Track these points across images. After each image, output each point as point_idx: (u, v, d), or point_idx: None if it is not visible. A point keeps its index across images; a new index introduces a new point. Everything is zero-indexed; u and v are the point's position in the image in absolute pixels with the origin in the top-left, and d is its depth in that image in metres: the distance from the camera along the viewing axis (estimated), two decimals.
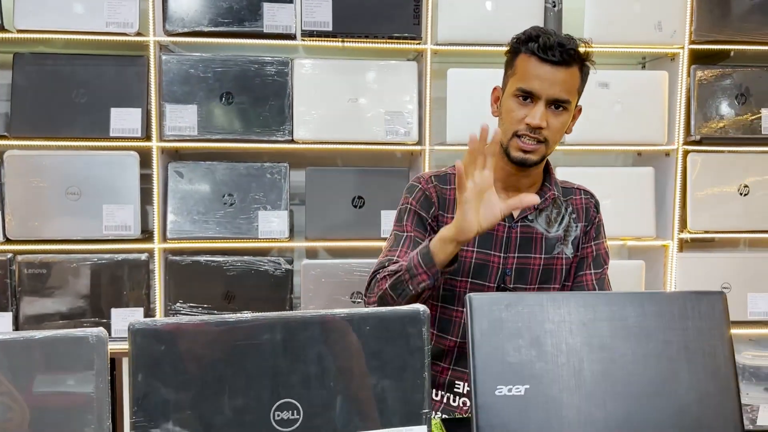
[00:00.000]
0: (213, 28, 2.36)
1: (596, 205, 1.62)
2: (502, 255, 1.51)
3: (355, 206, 2.48)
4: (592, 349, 1.01)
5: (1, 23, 2.32)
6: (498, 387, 0.98)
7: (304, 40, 2.42)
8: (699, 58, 2.69)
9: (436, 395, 1.55)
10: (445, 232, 1.34)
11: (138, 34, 2.36)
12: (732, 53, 2.59)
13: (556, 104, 1.42)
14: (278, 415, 0.90)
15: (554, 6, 2.52)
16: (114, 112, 2.37)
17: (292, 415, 0.91)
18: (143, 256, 2.41)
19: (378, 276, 1.45)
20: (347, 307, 2.39)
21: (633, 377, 1.01)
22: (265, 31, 2.37)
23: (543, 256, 1.53)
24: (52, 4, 2.32)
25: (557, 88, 1.40)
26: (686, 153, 2.58)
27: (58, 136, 2.36)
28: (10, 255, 2.37)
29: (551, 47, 1.39)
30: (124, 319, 2.38)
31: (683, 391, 1.01)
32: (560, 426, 0.98)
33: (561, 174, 2.52)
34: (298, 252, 2.72)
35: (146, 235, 2.48)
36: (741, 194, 2.61)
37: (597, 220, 1.61)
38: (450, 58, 2.67)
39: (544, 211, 1.54)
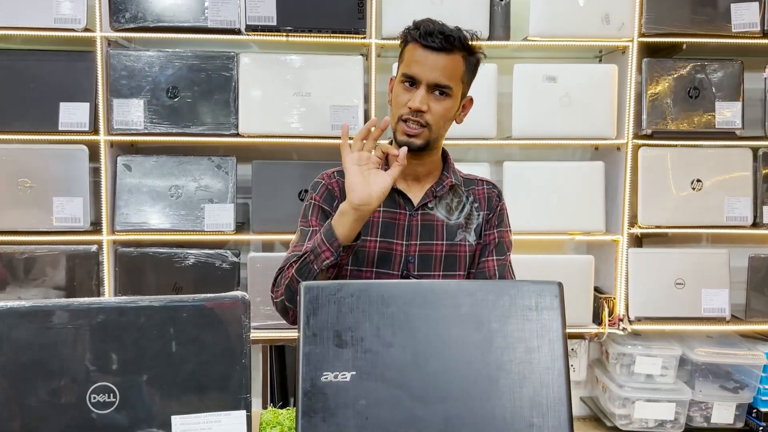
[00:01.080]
0: (159, 24, 2.39)
1: (499, 195, 1.64)
2: (404, 243, 1.54)
3: (302, 199, 2.50)
4: (423, 336, 1.02)
5: None
6: (324, 373, 1.00)
7: (248, 35, 2.44)
8: (653, 52, 2.67)
9: None
10: (342, 205, 1.40)
11: (86, 29, 2.41)
12: (684, 46, 2.55)
13: (439, 90, 1.46)
14: (94, 398, 0.93)
15: (501, 0, 2.51)
16: (63, 106, 2.42)
17: (109, 398, 0.93)
18: (93, 248, 2.46)
19: (284, 268, 1.48)
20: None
21: (462, 365, 1.01)
22: (209, 26, 2.41)
23: (445, 242, 1.55)
24: (2, 1, 2.37)
25: (437, 73, 1.44)
26: (637, 147, 2.56)
27: (8, 130, 2.42)
28: None
29: (431, 33, 1.43)
30: None
31: (513, 380, 1.01)
32: (384, 412, 0.99)
33: (508, 168, 2.53)
34: (254, 245, 2.76)
35: (96, 227, 2.53)
36: (694, 189, 2.59)
37: (499, 208, 1.63)
38: (396, 52, 2.68)
39: (443, 199, 1.57)
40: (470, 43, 1.47)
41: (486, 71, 2.48)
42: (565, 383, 1.02)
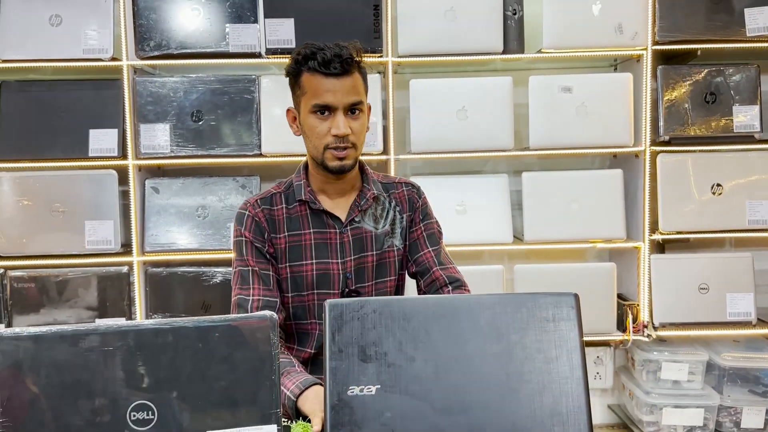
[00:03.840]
0: (182, 50, 2.48)
1: (418, 193, 1.66)
2: (339, 261, 1.57)
3: None
4: (444, 349, 1.06)
5: None
6: (350, 387, 1.04)
7: (268, 58, 2.51)
8: (668, 59, 2.68)
9: None
10: (313, 406, 1.29)
11: (113, 59, 2.50)
12: (699, 52, 2.57)
13: (352, 109, 1.49)
14: (134, 416, 0.98)
15: (514, 14, 2.55)
16: (92, 133, 2.51)
17: (147, 415, 0.98)
18: (124, 269, 2.54)
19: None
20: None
21: (483, 377, 1.05)
22: (230, 50, 2.48)
23: (375, 252, 1.59)
24: (33, 35, 2.47)
25: (349, 95, 1.47)
26: (655, 154, 2.57)
27: (41, 158, 2.52)
28: (1, 270, 2.52)
29: (330, 61, 1.44)
30: None
31: (533, 390, 1.05)
32: (409, 423, 1.03)
33: (527, 179, 2.56)
34: None
35: (127, 248, 2.61)
36: (714, 194, 2.59)
37: (420, 204, 1.65)
38: (412, 69, 2.73)
39: (368, 210, 1.60)
40: (359, 57, 1.49)
41: (501, 84, 2.53)
42: (584, 392, 1.05)
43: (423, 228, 1.64)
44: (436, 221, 1.68)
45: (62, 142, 2.52)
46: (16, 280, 2.52)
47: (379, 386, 1.04)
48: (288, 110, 1.58)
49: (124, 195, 2.58)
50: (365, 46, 2.47)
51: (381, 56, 2.51)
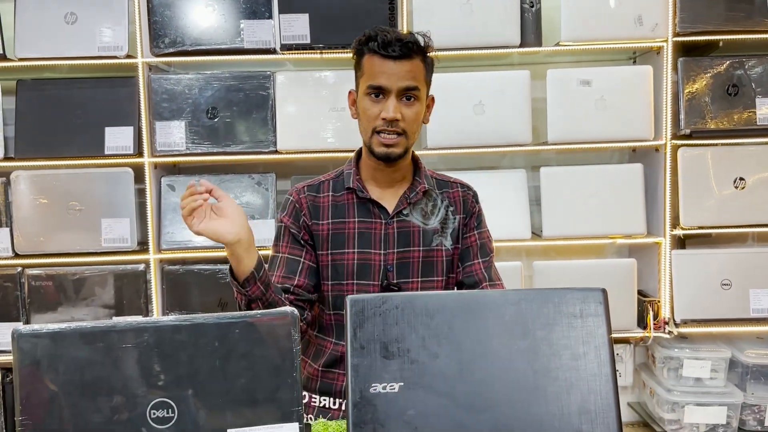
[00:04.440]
0: (197, 47, 2.47)
1: (474, 197, 1.63)
2: (382, 252, 1.53)
3: None
4: (468, 346, 1.03)
5: (3, 52, 2.49)
6: (373, 385, 1.02)
7: (283, 54, 2.50)
8: (688, 51, 2.64)
9: (334, 403, 1.57)
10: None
11: (128, 56, 2.50)
12: (721, 44, 2.52)
13: (407, 95, 1.46)
14: (154, 413, 0.97)
15: (532, 6, 2.52)
16: (108, 131, 2.51)
17: (167, 413, 0.97)
18: (140, 267, 2.54)
19: None
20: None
21: (508, 374, 1.02)
22: (245, 47, 2.47)
23: (422, 248, 1.55)
24: (48, 33, 2.47)
25: (404, 79, 1.45)
26: (676, 148, 2.53)
27: (58, 156, 2.52)
28: (19, 269, 2.53)
29: (389, 43, 1.44)
30: None
31: (560, 387, 1.02)
32: (433, 421, 1.00)
33: (545, 174, 2.53)
34: None
35: (143, 246, 2.60)
36: (737, 188, 2.54)
37: (476, 210, 1.61)
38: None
39: (418, 204, 1.56)
40: (425, 45, 1.48)
41: (519, 78, 2.50)
42: (613, 389, 1.02)
43: (477, 236, 1.60)
44: (488, 231, 1.64)
45: (78, 140, 2.52)
46: (33, 278, 2.52)
47: (402, 383, 1.02)
48: (350, 92, 1.57)
49: (140, 193, 2.57)
50: None
51: None
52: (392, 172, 1.54)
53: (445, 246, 1.57)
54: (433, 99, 1.57)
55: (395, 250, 1.54)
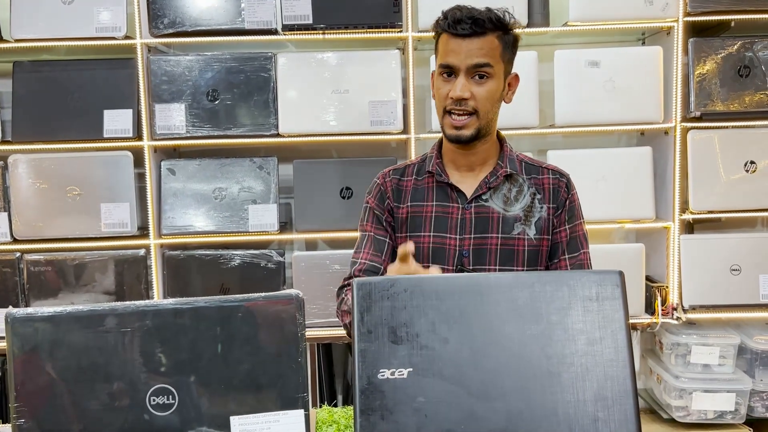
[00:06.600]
0: (196, 27, 2.41)
1: (567, 186, 1.53)
2: (457, 237, 1.49)
3: (344, 197, 2.50)
4: (479, 331, 0.99)
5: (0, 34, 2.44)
6: (381, 371, 0.98)
7: (285, 34, 2.44)
8: (699, 31, 2.58)
9: None
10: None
11: (126, 37, 2.44)
12: (733, 23, 2.46)
13: (478, 73, 1.42)
14: (154, 400, 0.93)
15: None
16: (107, 114, 2.46)
17: (168, 399, 0.93)
18: (141, 252, 2.50)
19: (344, 287, 1.55)
20: (323, 297, 2.44)
21: (521, 360, 0.99)
22: (246, 27, 2.41)
23: (500, 235, 1.49)
24: (45, 14, 2.42)
25: (473, 56, 1.40)
26: (685, 131, 2.48)
27: (56, 139, 2.47)
28: (18, 254, 2.49)
29: (460, 21, 1.40)
30: None
31: (576, 373, 0.98)
32: (444, 409, 0.97)
33: (552, 157, 2.48)
34: (298, 244, 2.76)
35: (143, 231, 2.56)
36: (747, 171, 2.49)
37: (569, 201, 1.52)
38: (433, 45, 2.64)
39: (499, 189, 1.50)
40: (502, 21, 1.43)
41: (526, 59, 2.44)
42: (631, 375, 0.98)
43: (568, 231, 1.51)
44: (582, 222, 1.55)
45: (77, 123, 2.47)
46: (32, 263, 2.49)
47: (411, 369, 0.98)
48: (432, 73, 1.54)
49: (140, 177, 2.53)
50: (383, 21, 2.41)
51: (400, 31, 2.43)
52: (470, 155, 1.50)
53: (528, 235, 1.49)
54: (517, 77, 1.50)
55: (472, 236, 1.49)
